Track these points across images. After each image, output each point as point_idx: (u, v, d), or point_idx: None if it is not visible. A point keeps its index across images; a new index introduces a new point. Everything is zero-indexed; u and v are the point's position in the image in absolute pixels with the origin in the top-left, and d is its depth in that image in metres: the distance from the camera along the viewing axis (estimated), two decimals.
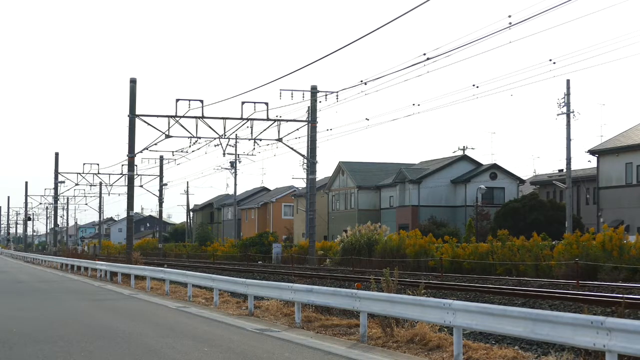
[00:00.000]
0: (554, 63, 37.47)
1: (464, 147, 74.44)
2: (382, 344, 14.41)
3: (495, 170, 71.40)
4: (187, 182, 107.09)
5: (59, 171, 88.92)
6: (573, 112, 49.21)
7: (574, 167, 52.05)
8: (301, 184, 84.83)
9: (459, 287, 26.22)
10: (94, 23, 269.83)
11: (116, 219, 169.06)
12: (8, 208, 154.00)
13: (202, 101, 46.36)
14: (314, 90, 50.77)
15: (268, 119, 48.66)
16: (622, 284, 27.46)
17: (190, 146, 52.24)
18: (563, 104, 49.54)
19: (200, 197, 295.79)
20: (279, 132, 49.91)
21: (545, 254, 36.56)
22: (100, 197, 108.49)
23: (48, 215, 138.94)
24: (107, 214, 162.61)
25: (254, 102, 47.92)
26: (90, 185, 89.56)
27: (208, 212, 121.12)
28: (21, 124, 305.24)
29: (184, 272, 28.37)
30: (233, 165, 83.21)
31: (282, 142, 50.54)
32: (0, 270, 54.07)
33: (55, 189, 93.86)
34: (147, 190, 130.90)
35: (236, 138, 52.08)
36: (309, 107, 52.32)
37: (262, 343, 14.43)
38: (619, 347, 9.60)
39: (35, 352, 13.08)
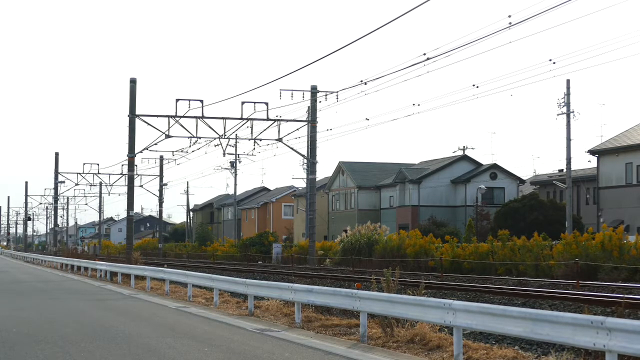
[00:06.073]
0: (554, 63, 37.53)
1: (464, 147, 74.47)
2: (382, 344, 14.41)
3: (495, 170, 71.38)
4: (187, 182, 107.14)
5: (59, 171, 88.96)
6: (573, 112, 49.23)
7: (574, 167, 52.05)
8: (301, 184, 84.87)
9: (459, 287, 26.22)
10: (94, 23, 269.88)
11: (116, 219, 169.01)
12: (8, 208, 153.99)
13: (202, 101, 46.42)
14: (314, 90, 50.76)
15: (268, 119, 48.67)
16: (622, 284, 27.46)
17: (190, 146, 52.29)
18: (563, 104, 49.53)
19: (200, 197, 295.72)
20: (279, 132, 49.96)
21: (546, 254, 36.56)
22: (100, 197, 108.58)
23: (48, 215, 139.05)
24: (107, 214, 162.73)
25: (254, 102, 47.94)
26: (90, 185, 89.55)
27: (208, 212, 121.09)
28: (21, 124, 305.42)
29: (184, 272, 28.36)
30: (233, 165, 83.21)
31: (282, 142, 50.55)
32: (1, 270, 54.06)
33: (55, 189, 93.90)
34: (147, 190, 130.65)
35: (236, 138, 52.11)
36: (309, 107, 52.32)
37: (262, 343, 14.43)
38: (619, 347, 9.60)
39: (36, 352, 13.08)
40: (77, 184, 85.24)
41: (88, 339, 14.78)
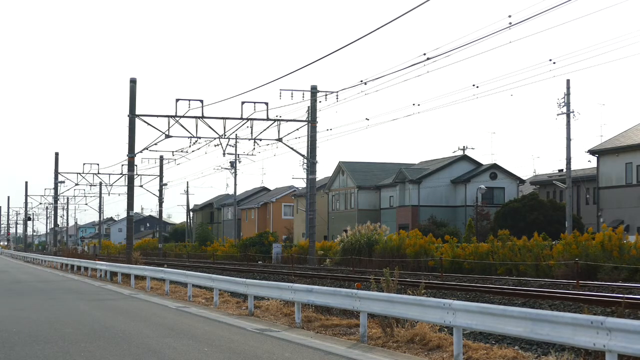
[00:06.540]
0: (554, 63, 37.50)
1: (464, 147, 74.47)
2: (382, 344, 14.41)
3: (495, 170, 71.37)
4: (187, 182, 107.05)
5: (59, 171, 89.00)
6: (573, 112, 49.21)
7: (574, 167, 52.03)
8: (301, 184, 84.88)
9: (459, 287, 26.21)
10: (94, 23, 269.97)
11: (116, 219, 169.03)
12: (8, 208, 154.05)
13: (202, 101, 46.42)
14: (314, 90, 50.75)
15: (268, 119, 48.68)
16: (622, 284, 27.46)
17: (190, 146, 52.34)
18: (563, 104, 49.52)
19: (200, 197, 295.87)
20: (279, 132, 49.96)
21: (546, 254, 36.58)
22: (100, 197, 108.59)
23: (48, 215, 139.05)
24: (107, 214, 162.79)
25: (254, 102, 47.96)
26: (90, 185, 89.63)
27: (208, 212, 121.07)
28: (21, 124, 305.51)
29: (184, 272, 28.35)
30: (233, 165, 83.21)
31: (282, 142, 50.55)
32: (1, 270, 54.06)
33: (55, 189, 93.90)
34: (147, 190, 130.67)
35: (236, 138, 52.15)
36: (309, 107, 52.32)
37: (263, 343, 14.43)
38: (619, 347, 9.60)
39: (36, 352, 13.08)
40: (77, 184, 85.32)
41: (88, 338, 14.78)
